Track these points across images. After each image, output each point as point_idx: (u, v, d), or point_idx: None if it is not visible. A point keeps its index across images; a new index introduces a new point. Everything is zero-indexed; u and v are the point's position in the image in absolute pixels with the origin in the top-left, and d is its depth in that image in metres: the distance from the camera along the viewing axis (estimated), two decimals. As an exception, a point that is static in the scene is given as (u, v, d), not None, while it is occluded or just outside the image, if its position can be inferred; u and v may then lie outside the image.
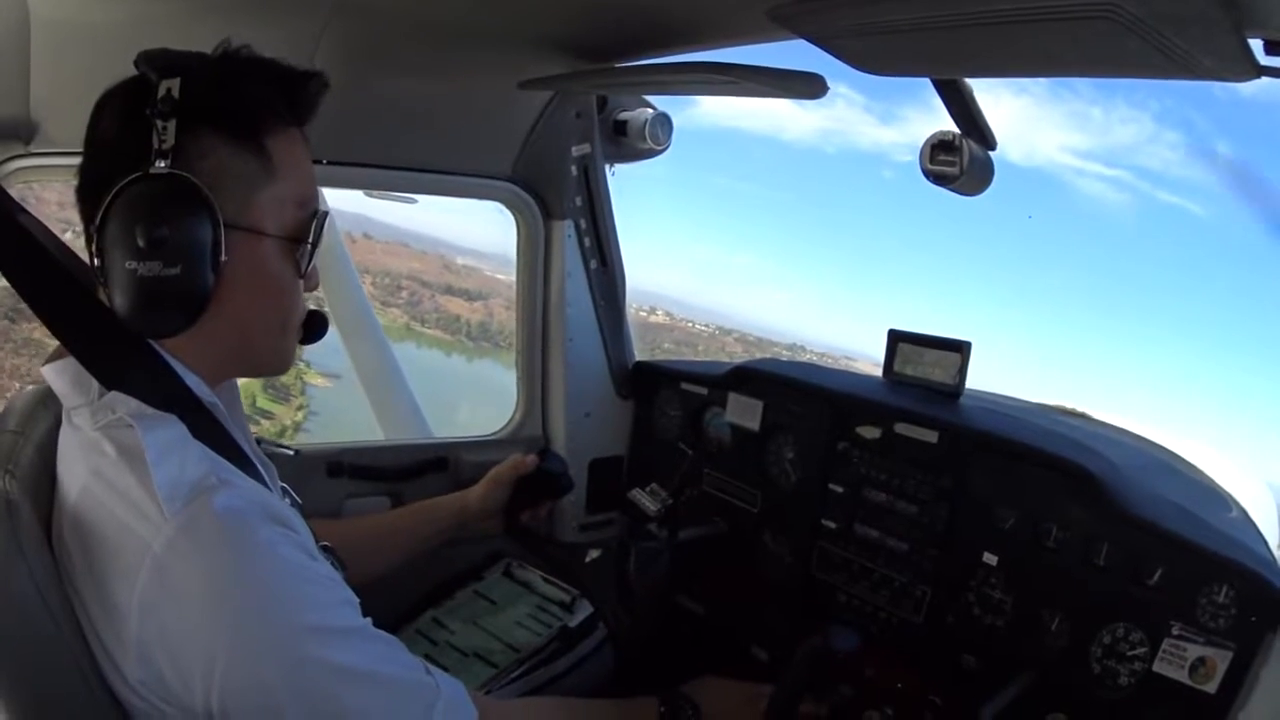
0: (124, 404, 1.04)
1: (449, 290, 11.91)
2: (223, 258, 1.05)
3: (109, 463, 1.02)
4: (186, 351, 1.10)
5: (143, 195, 1.01)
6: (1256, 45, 0.94)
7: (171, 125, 1.01)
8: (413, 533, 1.83)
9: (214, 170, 1.04)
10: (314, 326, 1.26)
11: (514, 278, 2.36)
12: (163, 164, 1.01)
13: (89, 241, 1.05)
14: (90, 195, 1.04)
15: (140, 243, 1.00)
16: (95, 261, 1.03)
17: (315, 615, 1.03)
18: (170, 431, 1.03)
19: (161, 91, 1.01)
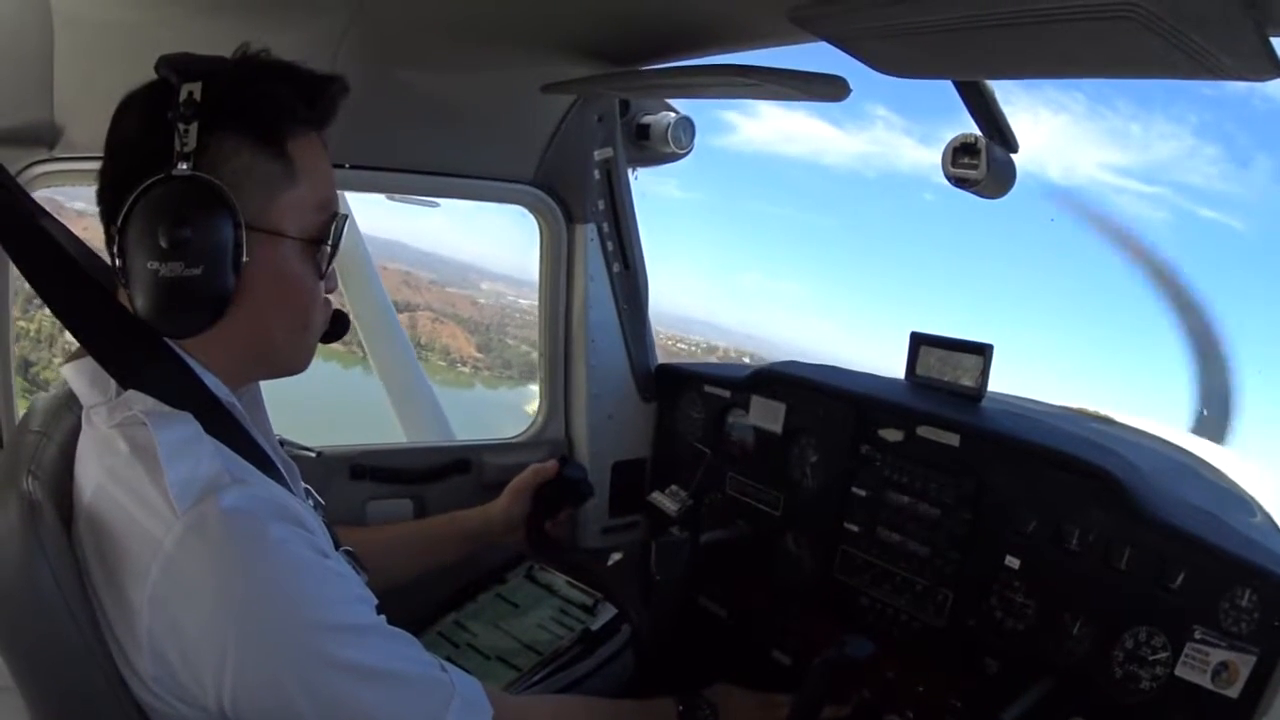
0: (140, 401, 1.05)
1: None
2: (244, 259, 1.06)
3: (122, 460, 1.02)
4: (205, 351, 1.11)
5: (165, 197, 1.02)
6: (1278, 44, 0.94)
7: (194, 128, 1.02)
8: (437, 545, 1.85)
9: (236, 173, 1.05)
10: (336, 326, 1.28)
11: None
12: (185, 166, 1.02)
13: (109, 242, 1.06)
14: (111, 197, 1.05)
15: (163, 243, 1.01)
16: (117, 262, 1.04)
17: (326, 612, 1.04)
18: (184, 429, 1.04)
19: (183, 95, 1.03)
